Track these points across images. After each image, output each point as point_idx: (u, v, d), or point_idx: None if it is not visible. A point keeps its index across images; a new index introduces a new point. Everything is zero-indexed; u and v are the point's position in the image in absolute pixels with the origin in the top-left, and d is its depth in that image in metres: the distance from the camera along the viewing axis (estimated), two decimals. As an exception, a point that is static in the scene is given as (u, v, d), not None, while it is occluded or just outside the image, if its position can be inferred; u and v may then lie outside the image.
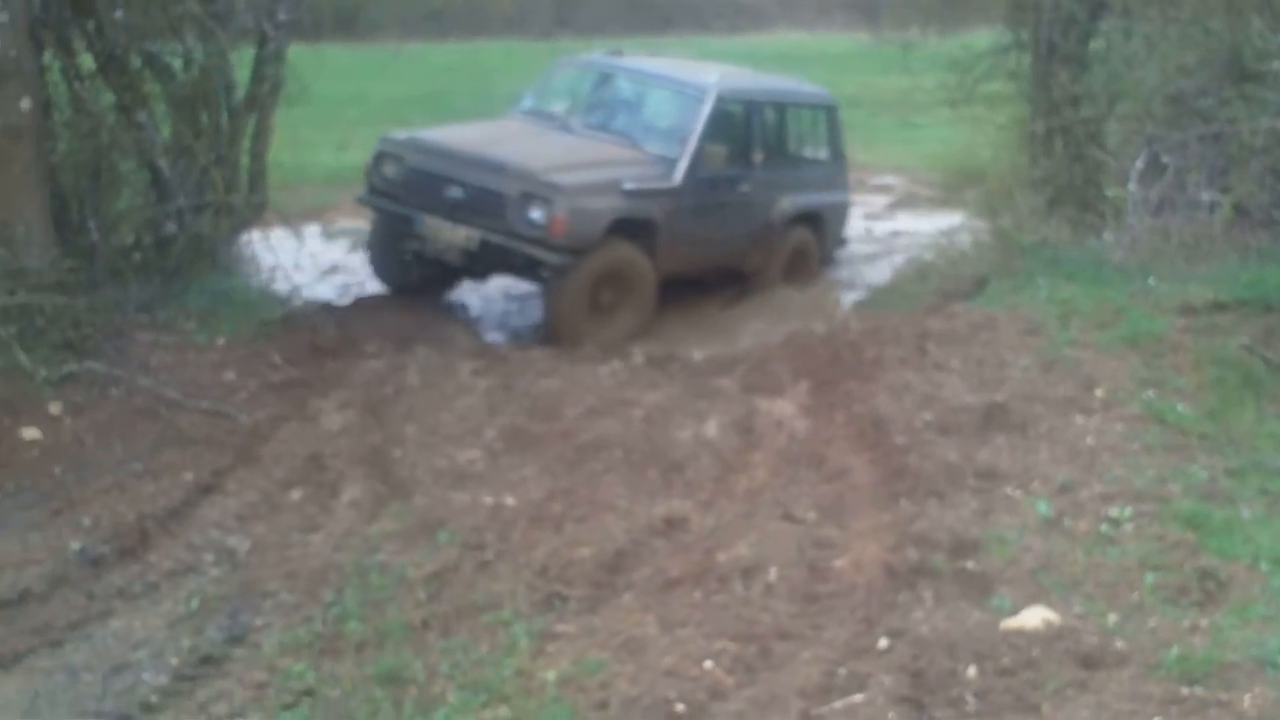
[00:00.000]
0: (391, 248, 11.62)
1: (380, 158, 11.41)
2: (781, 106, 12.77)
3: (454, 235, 10.80)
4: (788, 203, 12.50)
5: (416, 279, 11.83)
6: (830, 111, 13.34)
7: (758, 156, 12.21)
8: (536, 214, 10.49)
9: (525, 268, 10.89)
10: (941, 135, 16.20)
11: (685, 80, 12.21)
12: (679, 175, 11.42)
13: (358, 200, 11.86)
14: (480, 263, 11.08)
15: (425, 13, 28.72)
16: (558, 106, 12.54)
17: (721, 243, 11.97)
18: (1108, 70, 11.74)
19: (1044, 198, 11.59)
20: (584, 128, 12.03)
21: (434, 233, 10.88)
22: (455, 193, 10.88)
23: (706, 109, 11.77)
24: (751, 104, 12.29)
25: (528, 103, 12.73)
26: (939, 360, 8.26)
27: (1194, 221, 10.20)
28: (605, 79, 12.64)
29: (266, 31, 10.88)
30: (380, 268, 11.91)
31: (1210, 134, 10.29)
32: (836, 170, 13.42)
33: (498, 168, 10.84)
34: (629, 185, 11.06)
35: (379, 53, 23.40)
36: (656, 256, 11.21)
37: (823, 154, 13.32)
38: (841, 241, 13.72)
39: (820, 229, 13.08)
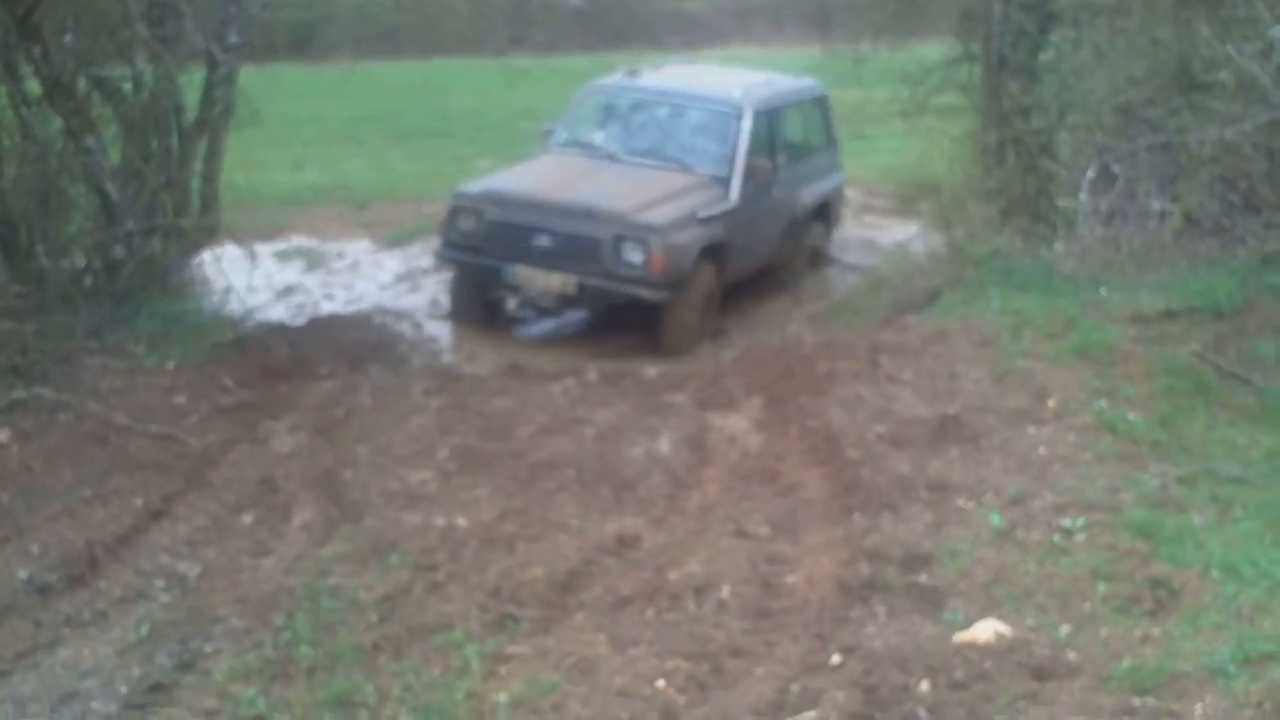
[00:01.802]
0: (477, 296, 11.83)
1: (456, 213, 11.57)
2: (793, 106, 13.25)
3: (549, 282, 11.09)
4: (807, 196, 13.16)
5: (505, 320, 11.95)
6: (823, 100, 13.81)
7: (781, 158, 12.61)
8: (634, 255, 10.90)
9: (623, 304, 11.10)
10: (895, 147, 16.25)
11: (717, 98, 12.61)
12: (735, 194, 11.88)
13: (436, 256, 12.09)
14: (576, 303, 11.28)
15: (379, 32, 28.65)
16: (594, 136, 12.79)
17: (765, 246, 12.54)
18: (1058, 81, 11.80)
19: (996, 209, 11.61)
20: (631, 156, 12.30)
21: (527, 281, 11.15)
22: (544, 241, 11.12)
23: (747, 125, 12.20)
24: (774, 110, 12.71)
25: (562, 135, 12.89)
26: (892, 373, 8.27)
27: (1144, 230, 10.24)
28: (634, 104, 12.99)
29: (216, 55, 10.83)
30: (466, 313, 11.96)
31: (1159, 143, 10.33)
32: (833, 155, 14.04)
33: (586, 213, 11.18)
34: (703, 213, 11.46)
35: (333, 73, 23.28)
36: (724, 271, 11.75)
37: (822, 142, 13.84)
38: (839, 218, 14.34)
39: (829, 214, 13.85)
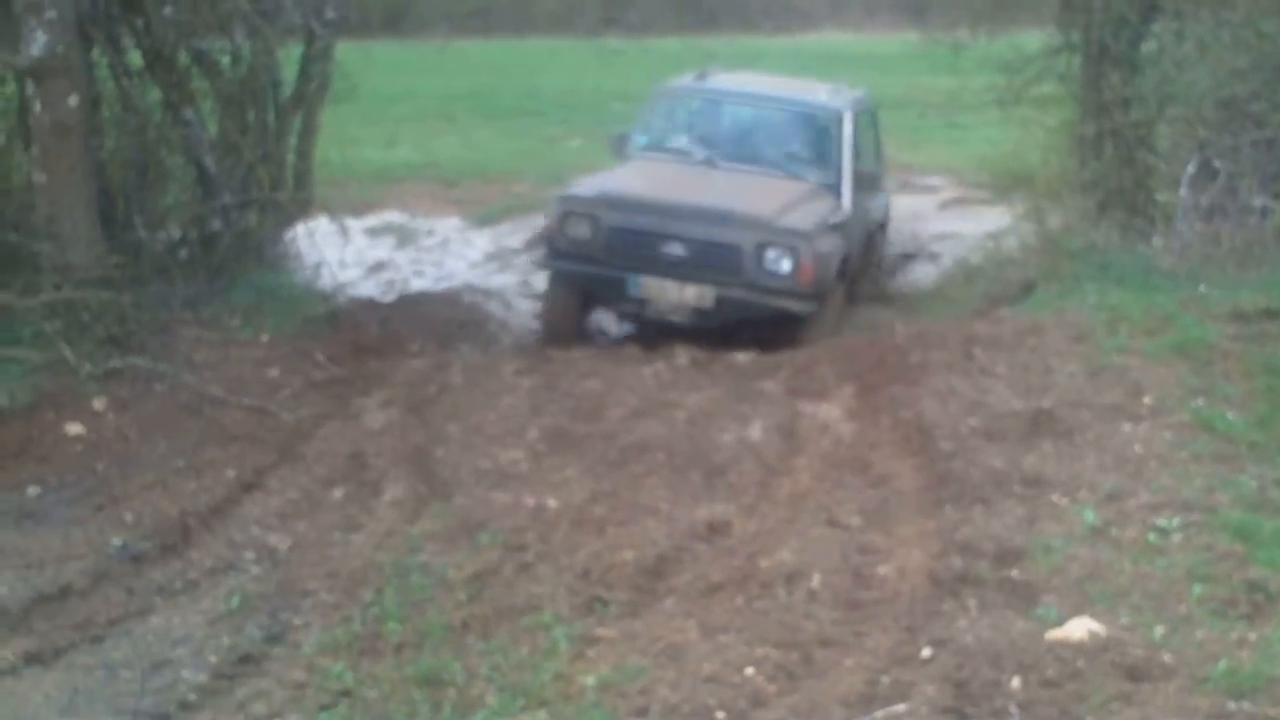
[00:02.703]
0: (579, 312, 10.99)
1: (567, 218, 10.60)
2: (864, 116, 12.70)
3: (683, 295, 10.25)
4: (876, 207, 12.79)
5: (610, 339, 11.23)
6: (874, 113, 13.33)
7: (860, 169, 11.93)
8: (782, 264, 10.12)
9: (764, 319, 10.28)
10: (989, 136, 16.08)
11: (813, 102, 12.11)
12: (847, 202, 11.34)
13: (539, 266, 11.30)
14: (712, 319, 10.30)
15: (471, 9, 28.74)
16: (680, 141, 11.99)
17: (858, 257, 11.87)
18: (1159, 73, 11.62)
19: (1093, 201, 11.48)
20: (730, 162, 11.51)
21: (657, 294, 10.30)
22: (676, 249, 10.28)
23: (849, 130, 11.66)
24: (859, 117, 12.17)
25: (641, 139, 12.02)
26: (985, 365, 8.19)
27: (1245, 227, 10.10)
28: (715, 106, 12.34)
29: (314, 29, 10.91)
30: (564, 332, 10.80)
31: (1263, 139, 10.19)
32: (882, 169, 13.53)
33: (724, 218, 10.37)
34: (833, 220, 10.89)
35: (426, 50, 23.40)
36: (851, 283, 11.38)
37: (875, 155, 13.27)
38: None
39: (885, 228, 13.45)
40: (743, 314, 10.27)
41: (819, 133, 11.82)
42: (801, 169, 11.53)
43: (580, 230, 10.51)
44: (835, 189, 11.37)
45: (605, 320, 11.36)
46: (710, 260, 10.26)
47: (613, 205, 10.54)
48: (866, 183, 11.80)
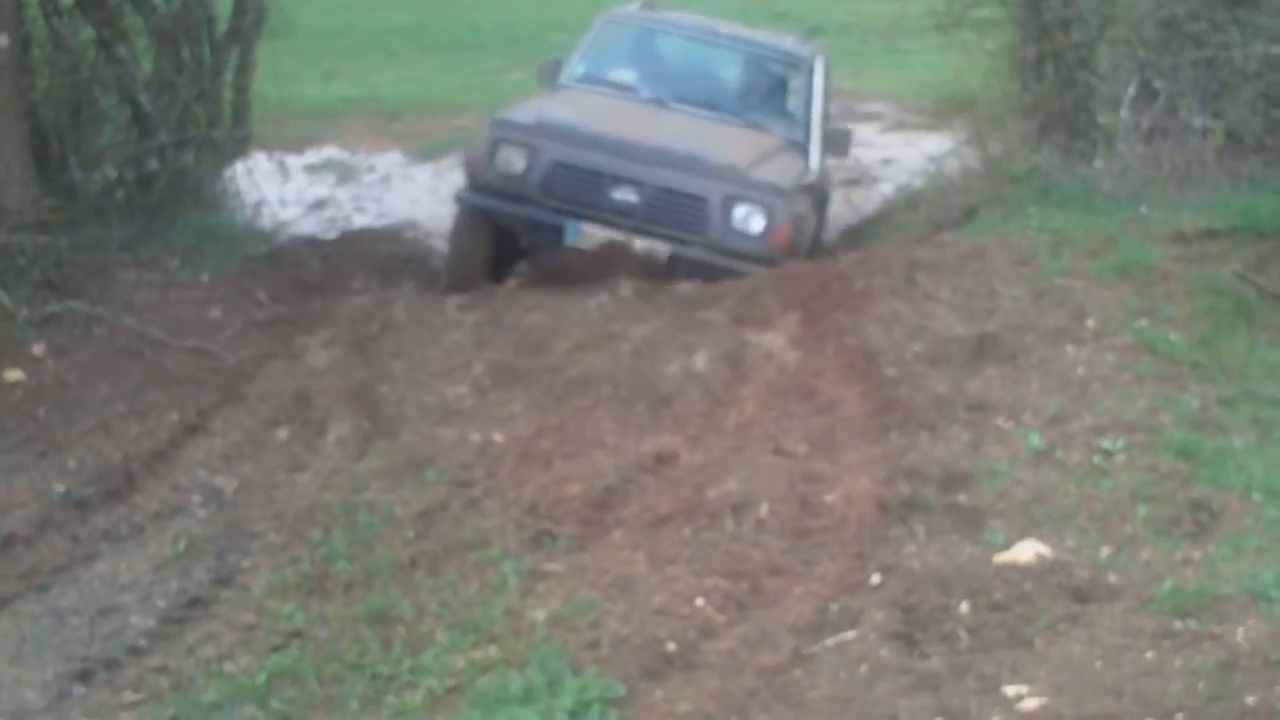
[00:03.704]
0: (491, 263, 9.70)
1: (498, 147, 9.33)
2: (830, 70, 11.72)
3: (631, 249, 9.15)
4: (828, 171, 11.75)
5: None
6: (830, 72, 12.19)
7: (827, 129, 11.02)
8: (753, 223, 9.13)
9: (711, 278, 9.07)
10: (931, 61, 16.05)
11: (781, 49, 11.26)
12: (815, 163, 10.49)
13: (459, 200, 9.84)
14: (662, 277, 9.14)
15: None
16: (623, 75, 10.86)
17: (816, 228, 11.15)
18: (1099, -7, 11.63)
19: (1034, 125, 11.47)
20: (680, 104, 10.37)
21: (597, 243, 9.15)
22: (628, 195, 9.12)
23: (820, 83, 10.77)
24: (827, 71, 11.35)
25: (579, 69, 10.88)
26: (929, 291, 8.18)
27: (1186, 148, 10.14)
28: (667, 40, 11.25)
29: (248, -37, 10.75)
30: (468, 283, 9.46)
31: (1203, 59, 10.21)
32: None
33: (691, 164, 9.25)
34: (804, 182, 9.99)
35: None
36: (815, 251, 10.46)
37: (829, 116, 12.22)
38: None
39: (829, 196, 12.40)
40: (696, 274, 9.16)
41: (786, 81, 11.02)
42: (764, 120, 10.59)
43: (513, 163, 9.31)
44: (803, 148, 10.51)
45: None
46: (668, 211, 9.20)
47: (557, 136, 9.39)
48: (831, 143, 10.81)
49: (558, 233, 9.26)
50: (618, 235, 9.15)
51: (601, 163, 9.25)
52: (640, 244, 9.14)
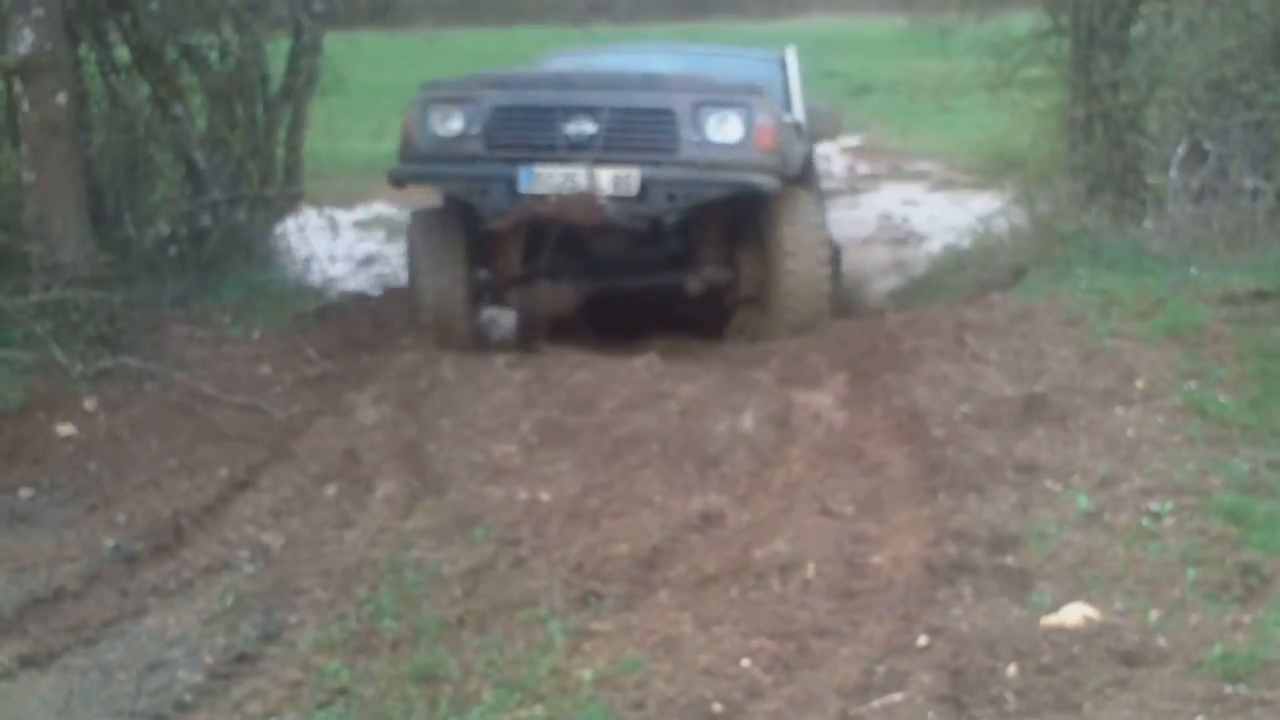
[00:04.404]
0: (472, 278, 9.06)
1: (430, 108, 8.63)
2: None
3: (595, 183, 8.24)
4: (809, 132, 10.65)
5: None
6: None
7: (809, 106, 10.42)
8: (730, 126, 8.28)
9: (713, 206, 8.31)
10: (979, 120, 16.10)
11: (744, 51, 11.02)
12: (799, 112, 9.88)
13: (395, 179, 9.27)
14: (639, 213, 8.27)
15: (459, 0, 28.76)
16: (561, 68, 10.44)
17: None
18: (1148, 55, 11.63)
19: (1083, 185, 11.49)
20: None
21: (558, 187, 8.26)
22: (583, 125, 8.32)
23: (793, 67, 10.16)
24: (799, 62, 10.73)
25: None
26: (977, 351, 8.18)
27: (1236, 209, 10.11)
28: (622, 55, 10.95)
29: (301, 22, 10.94)
30: (446, 307, 8.95)
31: (1253, 120, 10.20)
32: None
33: (648, 81, 8.60)
34: (786, 119, 9.06)
35: (414, 40, 23.37)
36: None
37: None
38: None
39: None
40: (682, 201, 8.38)
41: (759, 67, 10.27)
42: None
43: (450, 121, 8.59)
44: (785, 103, 9.89)
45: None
46: (631, 134, 8.38)
47: (493, 84, 8.72)
48: (817, 121, 10.17)
49: (510, 186, 8.42)
50: (578, 171, 8.31)
51: (548, 97, 8.54)
52: (605, 175, 8.30)
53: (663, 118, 8.35)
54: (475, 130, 8.50)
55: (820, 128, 10.41)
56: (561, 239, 8.87)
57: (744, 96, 8.42)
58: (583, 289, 9.21)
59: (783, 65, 10.38)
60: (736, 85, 8.59)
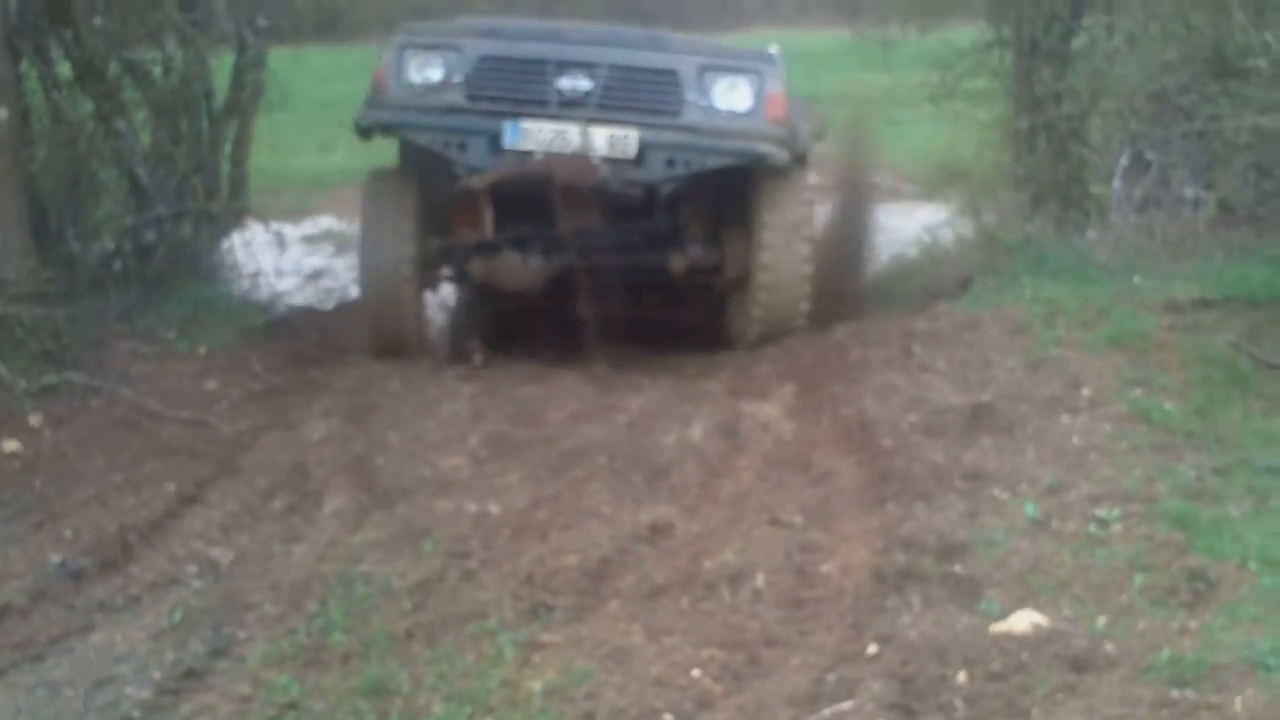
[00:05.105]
0: (423, 255, 8.53)
1: (408, 54, 8.13)
2: None
3: (589, 141, 7.79)
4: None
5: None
6: None
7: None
8: (739, 94, 7.90)
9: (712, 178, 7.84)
10: (924, 132, 16.18)
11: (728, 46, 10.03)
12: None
13: (360, 127, 8.74)
14: (632, 179, 7.84)
15: (408, 11, 28.69)
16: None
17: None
18: (1090, 67, 11.72)
19: (1027, 195, 11.58)
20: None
21: (547, 143, 7.78)
22: (579, 81, 7.86)
23: (776, 52, 9.10)
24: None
25: None
26: (924, 361, 8.22)
27: (1178, 219, 10.21)
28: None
29: (246, 37, 10.87)
30: (391, 287, 8.47)
31: (1194, 131, 10.29)
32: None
33: (652, 41, 8.24)
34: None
35: (360, 54, 23.31)
36: None
37: None
38: None
39: None
40: (682, 168, 7.99)
41: (750, 52, 9.23)
42: None
43: (429, 69, 8.12)
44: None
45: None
46: (631, 94, 7.96)
47: (481, 33, 8.25)
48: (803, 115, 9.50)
49: (493, 140, 7.94)
50: (570, 129, 7.86)
51: (542, 50, 8.05)
52: (601, 134, 7.88)
53: (665, 78, 7.97)
54: (457, 80, 8.04)
55: (808, 125, 9.96)
56: (534, 209, 8.29)
57: (755, 63, 8.12)
58: (554, 264, 8.59)
59: (771, 59, 9.56)
60: (747, 51, 8.26)
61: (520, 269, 8.56)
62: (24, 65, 9.38)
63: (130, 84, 10.30)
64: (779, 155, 8.02)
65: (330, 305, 11.32)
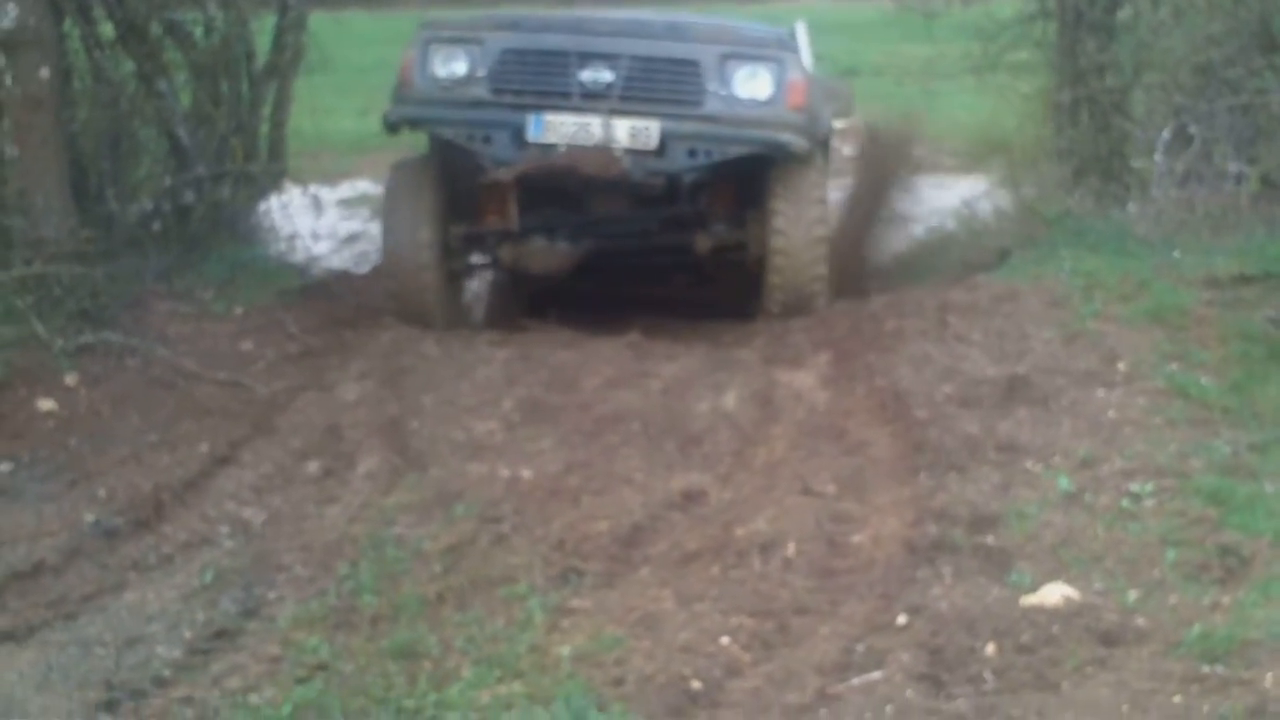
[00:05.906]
0: (443, 216, 8.59)
1: (432, 48, 8.22)
2: None
3: (611, 133, 7.88)
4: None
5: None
6: None
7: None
8: (759, 83, 7.89)
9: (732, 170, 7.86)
10: (965, 104, 16.06)
11: (753, 23, 10.32)
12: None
13: (388, 123, 8.93)
14: (656, 170, 7.88)
15: (448, -21, 28.72)
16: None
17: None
18: (1135, 39, 11.63)
19: (1068, 168, 11.50)
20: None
21: (570, 136, 7.88)
22: (600, 73, 7.92)
23: (803, 38, 9.54)
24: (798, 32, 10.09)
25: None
26: (960, 332, 8.19)
27: (1220, 193, 10.14)
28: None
29: (287, 0, 10.86)
30: (416, 269, 8.60)
31: (1238, 105, 10.21)
32: None
33: (672, 30, 8.22)
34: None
35: (401, 20, 23.29)
36: None
37: None
38: None
39: None
40: (704, 157, 8.02)
41: (770, 38, 9.16)
42: None
43: (453, 63, 8.18)
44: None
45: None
46: (652, 85, 8.00)
47: (503, 25, 8.29)
48: (830, 95, 9.70)
49: (517, 133, 8.03)
50: (592, 121, 7.95)
51: (564, 42, 8.08)
52: (623, 125, 7.95)
53: (686, 69, 7.99)
54: (481, 73, 8.11)
55: (832, 104, 10.05)
56: (561, 194, 8.49)
57: (775, 51, 8.13)
58: (580, 248, 8.75)
59: (793, 39, 9.59)
60: (767, 39, 8.28)
61: (548, 253, 8.70)
62: (66, 24, 9.40)
63: (171, 44, 10.33)
64: (799, 143, 8.02)
65: (365, 269, 11.31)
